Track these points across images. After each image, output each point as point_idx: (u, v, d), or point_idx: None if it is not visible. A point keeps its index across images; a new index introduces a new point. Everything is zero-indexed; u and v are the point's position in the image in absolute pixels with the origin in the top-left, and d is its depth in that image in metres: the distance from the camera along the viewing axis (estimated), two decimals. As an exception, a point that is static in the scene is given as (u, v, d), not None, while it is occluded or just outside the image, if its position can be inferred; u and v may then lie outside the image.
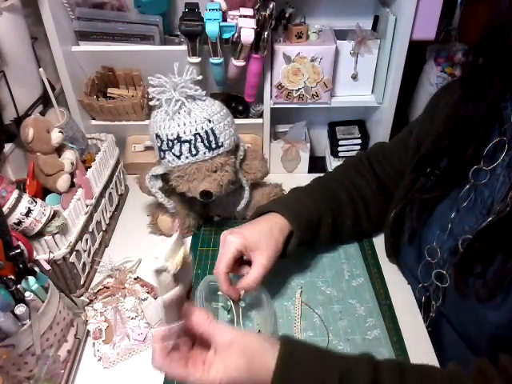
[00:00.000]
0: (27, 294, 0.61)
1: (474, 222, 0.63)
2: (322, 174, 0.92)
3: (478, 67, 0.61)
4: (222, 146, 0.83)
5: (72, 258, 0.79)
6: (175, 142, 0.81)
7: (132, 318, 0.78)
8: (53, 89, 0.92)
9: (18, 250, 0.63)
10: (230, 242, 0.71)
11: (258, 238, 0.72)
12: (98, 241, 0.91)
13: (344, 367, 0.52)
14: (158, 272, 0.48)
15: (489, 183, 0.62)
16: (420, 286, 0.78)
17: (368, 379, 0.50)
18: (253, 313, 0.79)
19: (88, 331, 0.76)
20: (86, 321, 0.77)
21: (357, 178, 0.87)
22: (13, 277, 0.62)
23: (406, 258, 0.81)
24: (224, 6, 0.90)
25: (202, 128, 0.81)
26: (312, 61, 1.01)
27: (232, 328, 0.56)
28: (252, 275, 0.70)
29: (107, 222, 0.96)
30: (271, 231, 0.74)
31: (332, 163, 1.19)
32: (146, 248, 0.93)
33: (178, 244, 0.50)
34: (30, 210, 0.70)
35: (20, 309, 0.60)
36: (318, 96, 1.06)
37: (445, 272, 0.68)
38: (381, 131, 1.12)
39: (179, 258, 0.50)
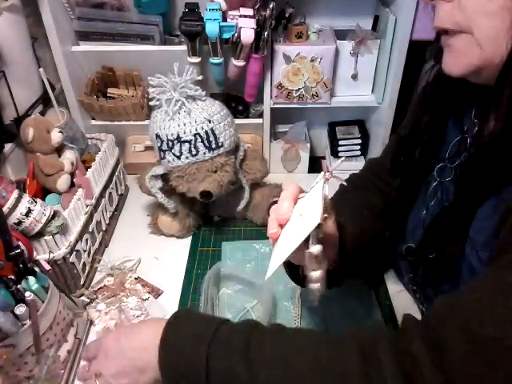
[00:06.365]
0: (27, 294, 0.61)
1: None
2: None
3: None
4: (222, 146, 0.83)
5: (72, 258, 0.79)
6: (175, 142, 0.81)
7: (137, 316, 0.78)
8: (53, 89, 0.92)
9: (18, 250, 0.63)
10: None
11: None
12: (97, 241, 0.91)
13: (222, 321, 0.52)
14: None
15: (454, 180, 0.63)
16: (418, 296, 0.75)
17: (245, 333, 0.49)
18: (253, 313, 0.79)
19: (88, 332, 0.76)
20: (91, 322, 0.77)
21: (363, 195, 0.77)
22: (13, 277, 0.62)
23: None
24: (224, 6, 0.90)
25: (202, 128, 0.81)
26: (312, 61, 1.01)
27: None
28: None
29: (107, 222, 0.96)
30: None
31: (332, 163, 1.19)
32: (145, 248, 0.93)
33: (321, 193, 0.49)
34: (30, 210, 0.70)
35: (20, 309, 0.60)
36: (318, 96, 1.06)
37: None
38: (381, 131, 1.12)
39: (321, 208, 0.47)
